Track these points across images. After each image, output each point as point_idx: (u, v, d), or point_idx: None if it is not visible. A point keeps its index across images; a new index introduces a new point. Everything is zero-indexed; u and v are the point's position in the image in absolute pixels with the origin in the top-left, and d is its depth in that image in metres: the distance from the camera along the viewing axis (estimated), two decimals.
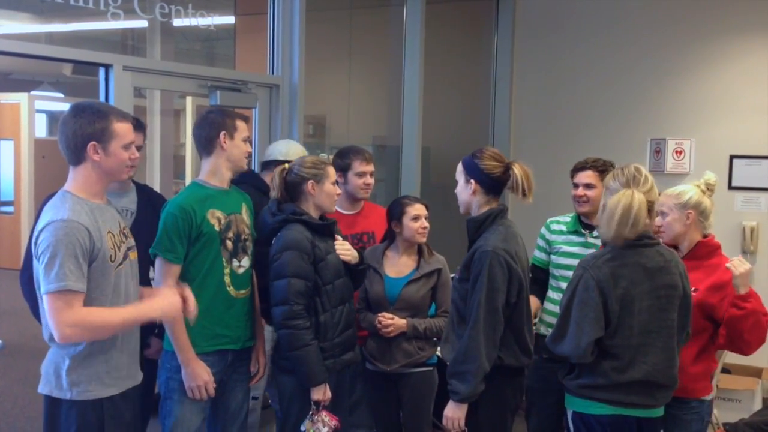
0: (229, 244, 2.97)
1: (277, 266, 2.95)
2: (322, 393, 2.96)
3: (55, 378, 2.42)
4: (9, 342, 6.48)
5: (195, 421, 2.97)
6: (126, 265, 2.51)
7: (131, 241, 2.57)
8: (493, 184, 2.82)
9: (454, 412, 2.78)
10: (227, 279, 2.97)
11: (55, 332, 2.31)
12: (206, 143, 2.99)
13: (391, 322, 3.31)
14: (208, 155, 3.00)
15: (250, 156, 3.12)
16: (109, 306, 2.42)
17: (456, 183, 2.92)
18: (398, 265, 3.41)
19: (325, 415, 2.97)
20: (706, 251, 2.98)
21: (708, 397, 3.01)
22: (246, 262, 3.03)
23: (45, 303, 2.31)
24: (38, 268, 2.33)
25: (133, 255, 2.58)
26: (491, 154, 2.85)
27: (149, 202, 3.29)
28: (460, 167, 2.90)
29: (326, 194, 3.07)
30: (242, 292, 3.02)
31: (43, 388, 2.46)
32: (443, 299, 3.41)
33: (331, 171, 3.11)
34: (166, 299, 2.52)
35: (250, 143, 3.10)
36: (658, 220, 2.96)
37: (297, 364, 2.96)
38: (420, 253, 3.44)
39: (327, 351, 3.00)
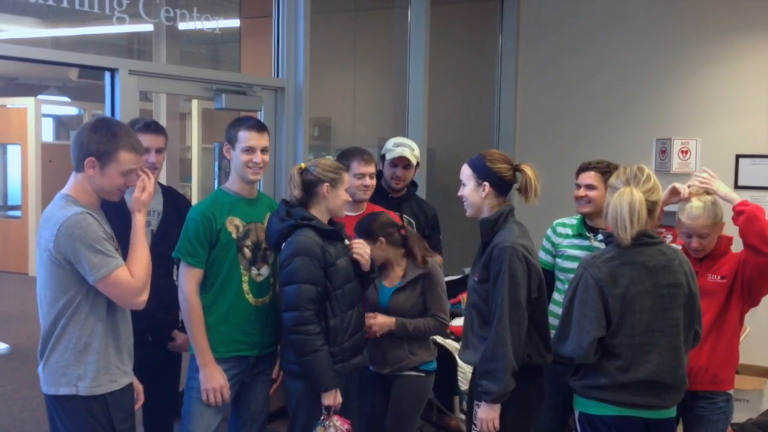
0: (247, 252, 3.02)
1: (288, 272, 2.93)
2: (332, 398, 2.95)
3: (60, 376, 2.48)
4: (17, 346, 6.49)
5: (213, 422, 3.04)
6: None
7: (116, 244, 2.62)
8: (505, 186, 2.85)
9: (487, 413, 2.74)
10: (245, 286, 3.02)
11: (131, 305, 2.54)
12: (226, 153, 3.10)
13: (373, 321, 3.27)
14: (229, 164, 3.11)
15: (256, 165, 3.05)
16: (108, 306, 2.52)
17: (459, 185, 2.92)
18: (392, 275, 3.38)
19: (336, 420, 2.95)
20: (726, 247, 3.10)
21: (731, 392, 3.04)
22: (265, 270, 3.07)
23: (104, 288, 2.44)
24: (76, 263, 2.41)
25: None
26: (501, 157, 2.87)
27: (174, 203, 3.35)
28: (467, 171, 2.89)
29: (340, 199, 3.07)
30: (260, 300, 3.07)
31: (48, 389, 2.51)
32: (431, 303, 3.34)
33: (346, 178, 3.12)
34: (135, 198, 2.62)
35: (264, 151, 3.07)
36: (696, 242, 3.05)
37: (308, 369, 2.94)
38: (410, 257, 3.37)
39: (337, 356, 2.99)
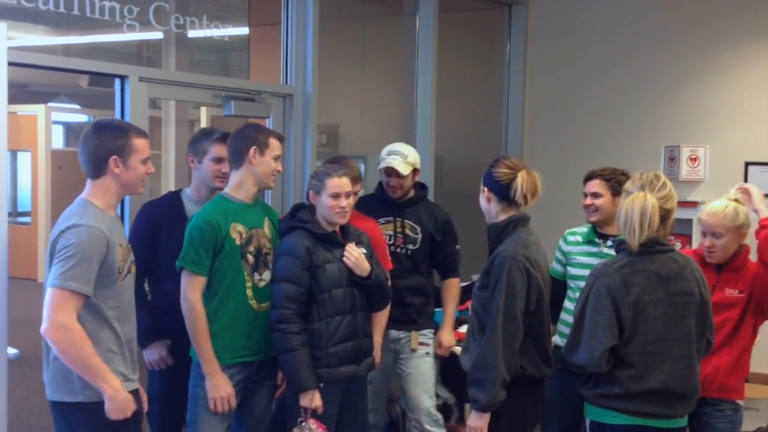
0: (250, 258, 3.03)
1: (275, 270, 3.03)
2: (308, 400, 2.96)
3: (65, 383, 2.48)
4: (25, 351, 6.47)
5: (219, 430, 3.04)
6: (129, 279, 2.61)
7: (132, 256, 2.65)
8: (504, 192, 2.80)
9: (476, 422, 2.73)
10: (249, 292, 3.03)
11: (46, 323, 2.37)
12: (236, 156, 3.05)
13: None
14: (237, 168, 3.07)
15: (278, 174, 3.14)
16: (112, 314, 2.51)
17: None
18: None
19: (312, 423, 2.95)
20: (745, 258, 3.06)
21: (740, 402, 3.02)
22: (267, 275, 3.08)
23: (48, 294, 2.38)
24: (53, 263, 2.40)
25: (133, 269, 2.66)
26: (506, 163, 2.84)
27: None
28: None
29: (323, 206, 3.07)
30: (264, 305, 3.07)
31: (52, 395, 2.51)
32: None
33: (331, 183, 3.06)
34: (122, 397, 2.48)
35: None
36: (708, 241, 3.00)
37: (284, 367, 3.01)
38: None
39: (321, 360, 3.01)
